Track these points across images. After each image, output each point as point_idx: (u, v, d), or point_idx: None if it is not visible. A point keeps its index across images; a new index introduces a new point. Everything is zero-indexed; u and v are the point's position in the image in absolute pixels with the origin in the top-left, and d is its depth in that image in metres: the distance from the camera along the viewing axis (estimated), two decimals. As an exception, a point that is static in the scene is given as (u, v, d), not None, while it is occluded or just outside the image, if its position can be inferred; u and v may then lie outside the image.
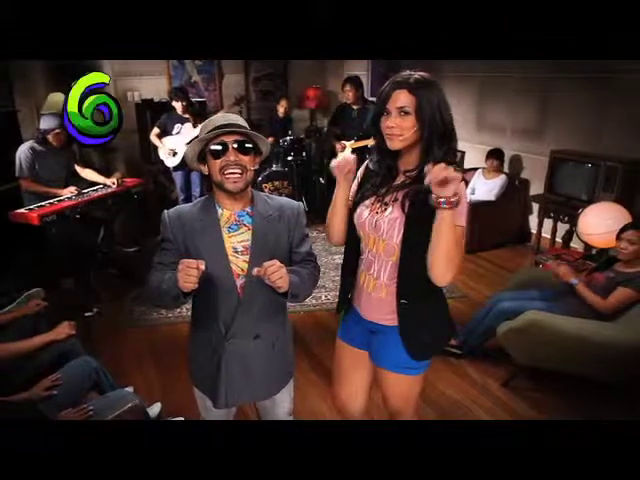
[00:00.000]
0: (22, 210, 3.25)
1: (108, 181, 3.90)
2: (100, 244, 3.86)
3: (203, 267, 1.31)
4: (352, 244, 1.70)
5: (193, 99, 6.05)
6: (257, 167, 1.52)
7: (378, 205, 1.58)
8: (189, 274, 1.30)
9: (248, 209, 1.54)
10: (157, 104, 5.42)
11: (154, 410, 2.50)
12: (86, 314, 3.52)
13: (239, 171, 1.43)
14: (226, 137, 1.43)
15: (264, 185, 5.32)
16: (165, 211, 1.55)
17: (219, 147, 1.43)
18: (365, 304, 1.67)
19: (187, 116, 4.75)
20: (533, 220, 4.83)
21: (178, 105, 4.69)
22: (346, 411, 1.89)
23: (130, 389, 2.47)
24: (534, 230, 4.75)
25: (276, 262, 1.36)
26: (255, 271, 1.36)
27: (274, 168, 5.42)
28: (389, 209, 1.55)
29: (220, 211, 1.52)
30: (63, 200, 3.52)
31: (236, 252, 1.50)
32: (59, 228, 3.35)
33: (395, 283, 1.58)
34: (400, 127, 1.47)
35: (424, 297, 1.58)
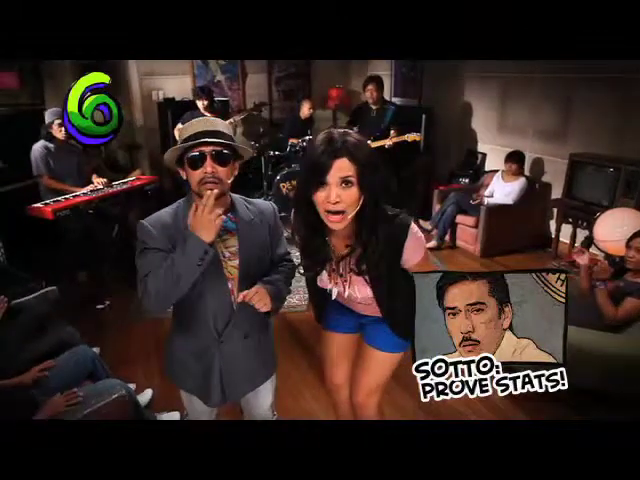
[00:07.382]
0: (38, 204, 3.37)
1: (95, 182, 3.83)
2: (114, 239, 3.96)
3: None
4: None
5: (216, 98, 6.17)
6: (234, 177, 1.50)
7: (336, 276, 1.57)
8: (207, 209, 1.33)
9: (230, 215, 1.54)
10: (178, 103, 5.52)
11: (145, 397, 2.55)
12: (98, 306, 3.65)
13: (215, 182, 1.42)
14: (204, 146, 1.41)
15: (282, 184, 5.29)
16: (144, 221, 1.49)
17: (196, 154, 1.41)
18: (356, 306, 1.72)
19: (208, 114, 4.83)
20: (553, 225, 4.67)
21: (200, 103, 4.79)
22: (340, 394, 1.94)
23: (132, 386, 2.49)
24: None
25: (259, 290, 1.44)
26: (240, 297, 1.43)
27: (293, 167, 5.41)
28: (348, 281, 1.56)
29: None
30: (78, 195, 3.62)
31: (224, 257, 1.52)
32: (73, 223, 3.45)
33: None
34: (345, 201, 1.32)
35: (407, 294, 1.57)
